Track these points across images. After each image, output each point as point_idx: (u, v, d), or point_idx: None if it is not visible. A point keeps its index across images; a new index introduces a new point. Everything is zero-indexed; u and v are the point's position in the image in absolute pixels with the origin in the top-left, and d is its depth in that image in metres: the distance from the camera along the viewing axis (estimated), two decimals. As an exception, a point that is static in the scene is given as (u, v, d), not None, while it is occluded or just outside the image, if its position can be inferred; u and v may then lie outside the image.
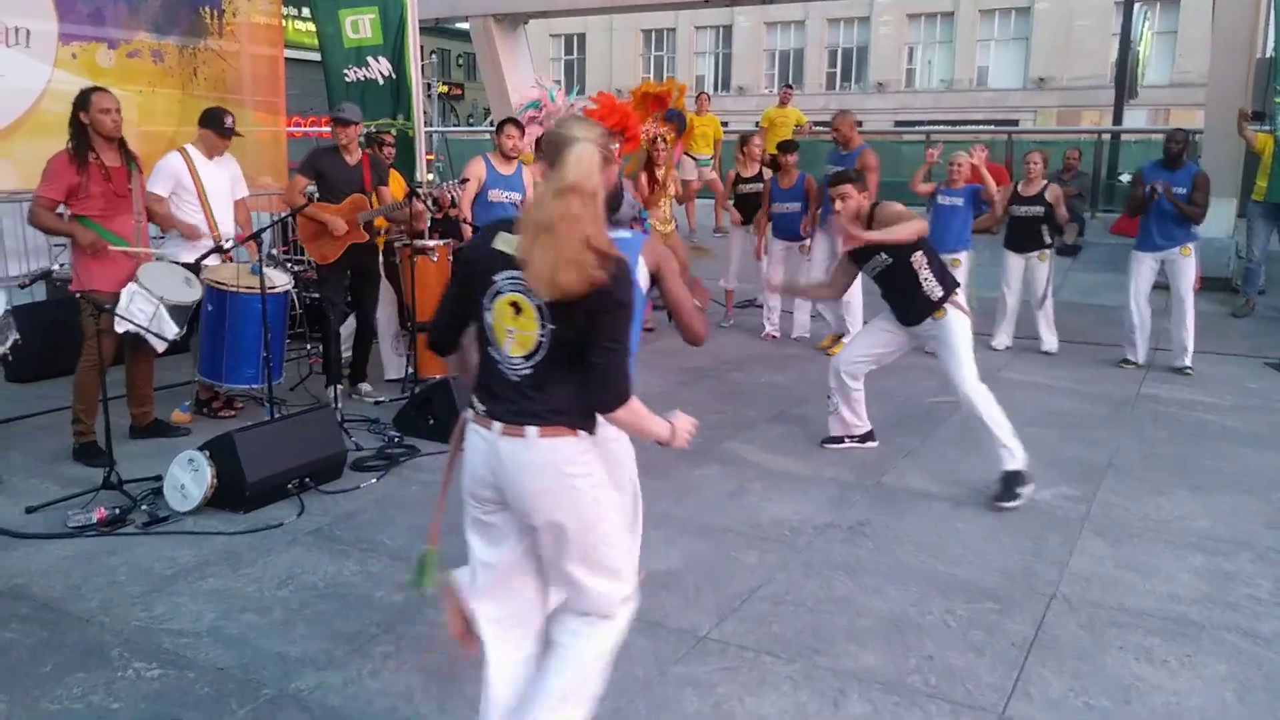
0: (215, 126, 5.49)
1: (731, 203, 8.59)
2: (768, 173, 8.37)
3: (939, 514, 4.19)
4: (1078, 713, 2.72)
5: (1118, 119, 15.38)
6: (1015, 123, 29.05)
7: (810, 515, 4.19)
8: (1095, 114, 27.73)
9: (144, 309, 4.41)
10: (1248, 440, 5.35)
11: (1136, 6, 15.21)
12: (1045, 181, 7.60)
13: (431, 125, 27.93)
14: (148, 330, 4.43)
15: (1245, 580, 3.60)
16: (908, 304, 4.71)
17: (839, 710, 2.72)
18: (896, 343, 4.93)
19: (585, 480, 2.20)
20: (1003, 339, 7.66)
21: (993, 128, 22.45)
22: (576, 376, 2.16)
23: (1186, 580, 3.58)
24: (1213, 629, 3.21)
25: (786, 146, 8.08)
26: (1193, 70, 24.78)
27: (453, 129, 23.09)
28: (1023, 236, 7.57)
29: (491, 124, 11.02)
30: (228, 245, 5.38)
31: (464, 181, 6.29)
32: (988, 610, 3.32)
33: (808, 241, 7.88)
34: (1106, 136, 13.91)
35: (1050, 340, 7.52)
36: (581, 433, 2.20)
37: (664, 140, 8.14)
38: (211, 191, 5.53)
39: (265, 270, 5.30)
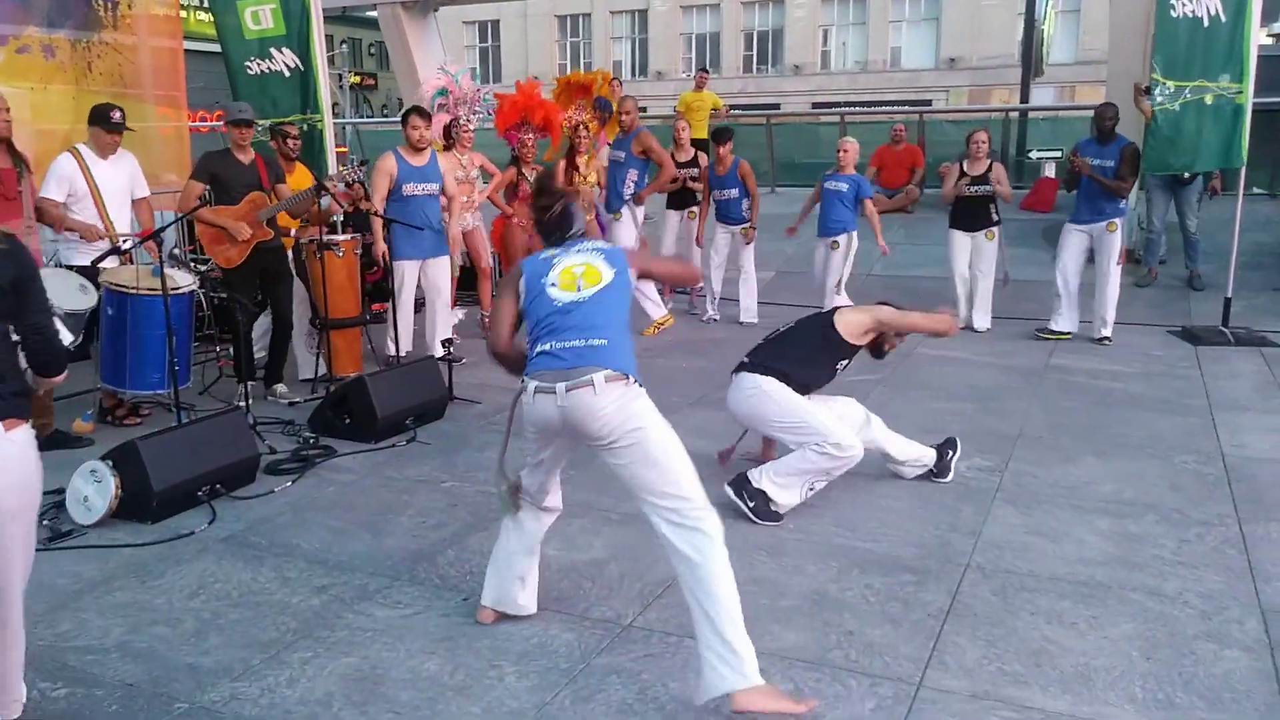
0: (102, 122, 5.29)
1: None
2: (703, 158, 8.40)
3: (858, 491, 4.25)
4: (992, 678, 2.78)
5: (1024, 97, 15.76)
6: (928, 102, 29.62)
7: (732, 497, 4.20)
8: (1005, 92, 28.41)
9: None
10: (1152, 406, 5.53)
11: (1039, -14, 15.57)
12: (990, 161, 7.70)
13: (343, 116, 27.47)
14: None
15: (1151, 541, 3.72)
16: None
17: (761, 690, 2.74)
18: None
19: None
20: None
21: (906, 108, 22.79)
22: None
23: (1094, 543, 3.69)
24: (1119, 589, 3.32)
25: (720, 134, 8.09)
26: (1097, 48, 25.42)
27: (365, 120, 22.70)
28: (971, 215, 7.64)
29: (385, 112, 10.81)
30: (125, 246, 5.19)
31: (363, 163, 6.23)
32: (905, 583, 3.38)
33: (750, 224, 7.98)
34: (1014, 115, 14.22)
35: (984, 319, 7.59)
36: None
37: (586, 128, 8.10)
38: (107, 192, 5.34)
39: (168, 270, 5.15)
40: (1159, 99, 7.13)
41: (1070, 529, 3.82)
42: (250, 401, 5.38)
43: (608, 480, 4.40)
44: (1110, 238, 7.06)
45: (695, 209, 8.34)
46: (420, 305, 6.88)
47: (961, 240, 7.65)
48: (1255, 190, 11.31)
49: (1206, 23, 6.92)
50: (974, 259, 7.57)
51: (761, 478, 3.99)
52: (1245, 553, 3.61)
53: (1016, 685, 2.74)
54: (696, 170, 8.29)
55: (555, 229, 3.15)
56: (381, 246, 6.20)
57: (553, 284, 2.99)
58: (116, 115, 5.34)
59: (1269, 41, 17.49)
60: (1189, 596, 3.26)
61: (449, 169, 6.86)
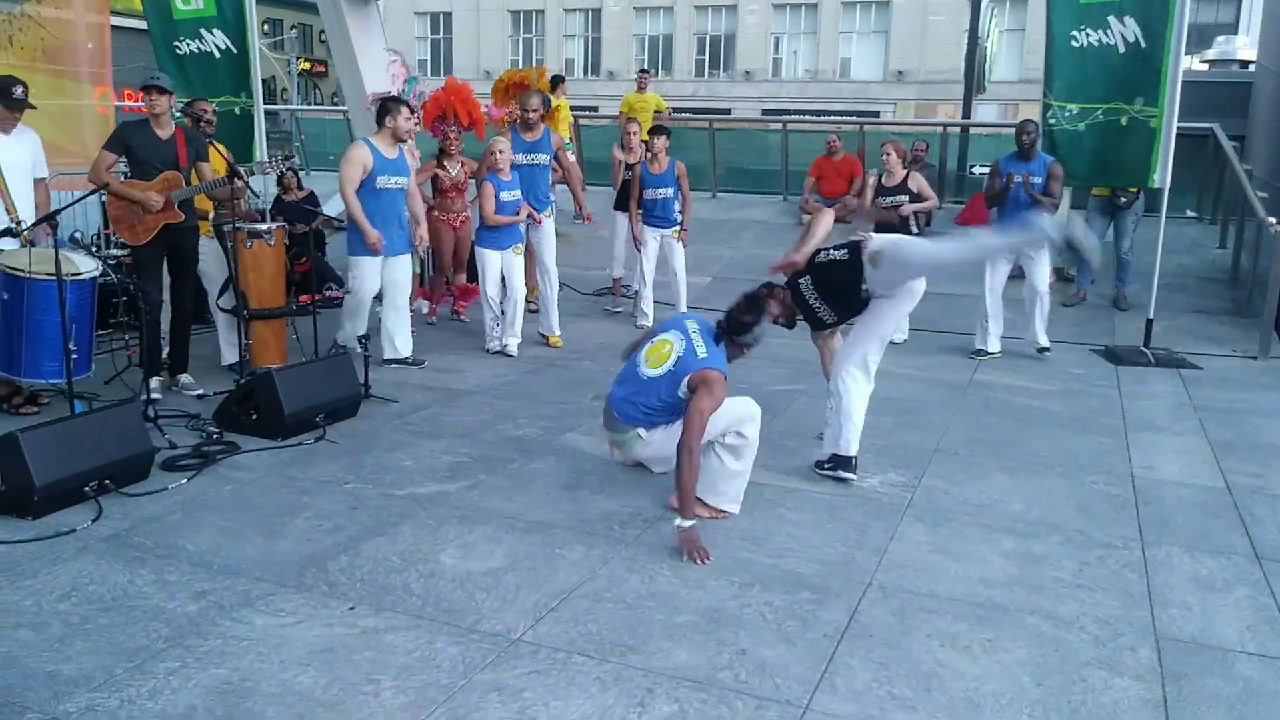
0: (3, 98, 5.06)
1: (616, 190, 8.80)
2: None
3: (769, 503, 4.20)
4: (880, 702, 2.73)
5: (967, 113, 15.97)
6: (876, 114, 29.88)
7: (641, 508, 4.13)
8: (950, 107, 28.71)
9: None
10: (1067, 424, 5.57)
11: (984, 4, 15.77)
12: (906, 171, 7.71)
13: (291, 103, 26.96)
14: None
15: (1052, 563, 3.71)
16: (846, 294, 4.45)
17: (645, 711, 2.65)
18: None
19: None
20: None
21: (854, 118, 22.97)
22: None
23: (997, 563, 3.67)
24: (1016, 612, 3.29)
25: (657, 131, 8.02)
26: (1039, 66, 25.91)
27: (309, 108, 22.26)
28: (889, 226, 7.66)
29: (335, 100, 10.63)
30: (21, 228, 4.96)
31: (288, 157, 6.09)
32: (805, 601, 3.32)
33: (682, 227, 7.91)
34: (955, 129, 14.37)
35: (902, 332, 7.64)
36: None
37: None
38: (8, 169, 5.11)
39: (69, 254, 4.95)
40: (1051, 121, 7.73)
41: (975, 548, 3.80)
42: (152, 393, 5.19)
43: (516, 488, 4.35)
44: (1039, 256, 7.13)
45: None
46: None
47: None
48: (1188, 213, 11.57)
49: (1123, 49, 7.30)
50: None
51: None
52: (1145, 577, 3.62)
53: (904, 710, 2.69)
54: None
55: (735, 329, 4.00)
56: (373, 234, 6.01)
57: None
58: (18, 91, 5.11)
59: (1203, 68, 17.91)
60: (1085, 621, 3.25)
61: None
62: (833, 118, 23.69)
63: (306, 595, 3.28)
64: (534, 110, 7.18)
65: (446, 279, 8.64)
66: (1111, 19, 7.25)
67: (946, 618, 3.23)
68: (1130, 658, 3.03)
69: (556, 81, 11.66)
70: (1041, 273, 7.15)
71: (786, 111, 27.35)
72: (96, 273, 5.09)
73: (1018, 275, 7.31)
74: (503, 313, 6.96)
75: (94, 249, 5.97)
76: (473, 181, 7.84)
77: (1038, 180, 7.04)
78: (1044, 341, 7.24)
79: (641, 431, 3.97)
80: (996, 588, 3.47)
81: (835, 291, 4.46)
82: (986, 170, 12.63)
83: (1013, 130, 7.61)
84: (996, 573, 3.60)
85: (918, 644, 3.06)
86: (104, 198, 5.61)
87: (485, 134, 8.41)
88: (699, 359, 3.87)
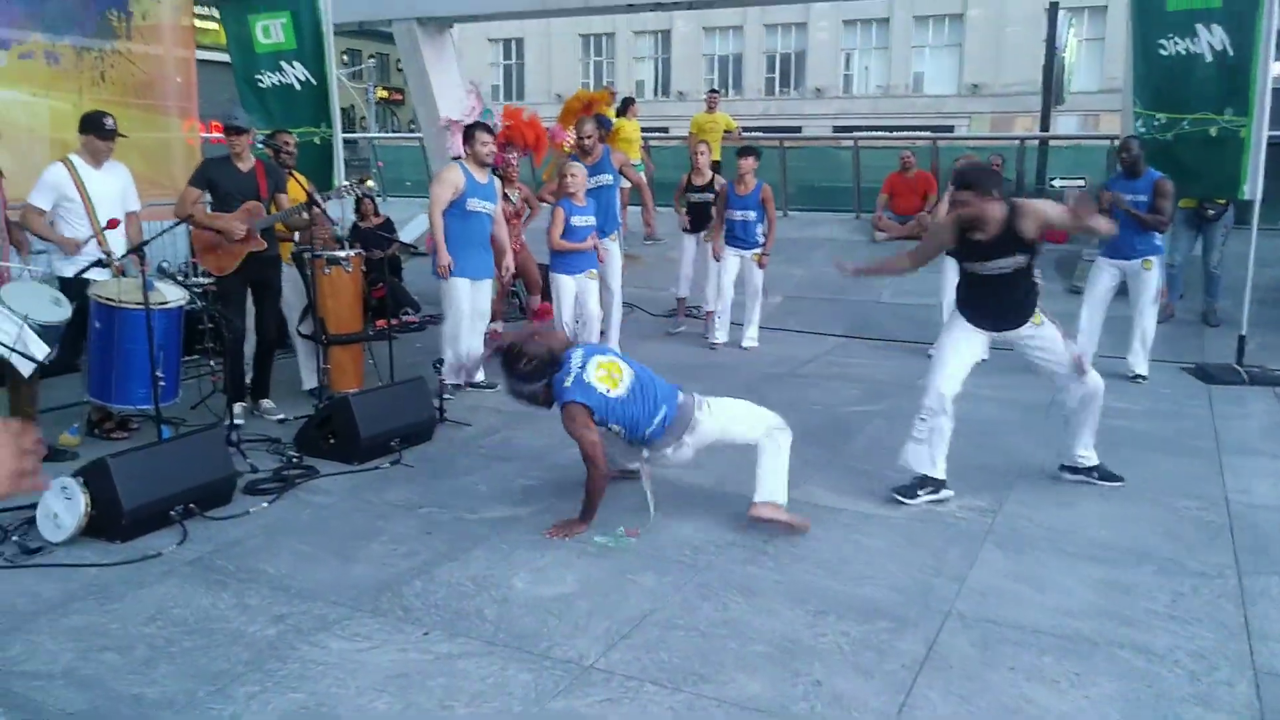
0: (95, 130, 5.27)
1: (684, 209, 8.77)
2: (720, 181, 8.34)
3: (844, 529, 4.13)
4: (962, 738, 2.65)
5: (1045, 125, 15.59)
6: (950, 128, 29.43)
7: (714, 534, 4.09)
8: (1028, 120, 28.15)
9: (6, 329, 4.19)
10: (1156, 446, 5.37)
11: (1061, 14, 15.42)
12: None
13: (369, 131, 27.62)
14: (13, 350, 4.22)
15: (1143, 593, 3.57)
16: (1017, 307, 4.53)
17: (719, 743, 2.62)
18: (981, 351, 4.72)
19: None
20: None
21: (928, 133, 22.67)
22: None
23: (1083, 594, 3.54)
24: (1106, 645, 3.17)
25: (745, 151, 7.99)
26: (1120, 77, 25.24)
27: (386, 135, 22.76)
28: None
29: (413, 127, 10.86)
30: (114, 259, 5.15)
31: (362, 181, 6.20)
32: (881, 630, 3.24)
33: (764, 251, 7.84)
34: (1033, 142, 14.06)
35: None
36: None
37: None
38: (99, 201, 5.31)
39: (158, 284, 5.11)
40: (1141, 129, 7.40)
41: (1059, 577, 3.67)
42: (234, 419, 5.32)
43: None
44: (1146, 275, 6.84)
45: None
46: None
47: (954, 267, 7.52)
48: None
49: (1210, 58, 7.02)
50: None
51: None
52: (1242, 608, 3.45)
53: (987, 747, 2.61)
54: (713, 194, 8.24)
55: (547, 370, 4.12)
56: (445, 258, 6.06)
57: (605, 390, 4.06)
58: (109, 122, 5.32)
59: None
60: (1179, 655, 3.11)
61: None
62: (906, 133, 23.35)
63: (382, 620, 3.32)
64: (588, 137, 7.25)
65: (520, 304, 8.76)
66: (1199, 27, 7.00)
67: (1030, 650, 3.12)
68: (1227, 693, 2.89)
69: (627, 104, 11.75)
70: (1147, 295, 6.85)
71: (858, 128, 27.08)
72: (183, 301, 5.25)
73: (1122, 293, 7.04)
74: (575, 337, 6.99)
75: (181, 277, 6.16)
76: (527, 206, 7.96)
77: (1142, 199, 6.78)
78: (1141, 369, 6.88)
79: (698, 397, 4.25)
80: (1083, 618, 3.35)
81: (1008, 298, 4.48)
82: (1066, 184, 12.36)
83: (1093, 143, 7.43)
84: (1083, 603, 3.47)
85: (1000, 677, 2.96)
86: (190, 230, 5.80)
87: (543, 158, 8.51)
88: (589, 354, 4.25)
